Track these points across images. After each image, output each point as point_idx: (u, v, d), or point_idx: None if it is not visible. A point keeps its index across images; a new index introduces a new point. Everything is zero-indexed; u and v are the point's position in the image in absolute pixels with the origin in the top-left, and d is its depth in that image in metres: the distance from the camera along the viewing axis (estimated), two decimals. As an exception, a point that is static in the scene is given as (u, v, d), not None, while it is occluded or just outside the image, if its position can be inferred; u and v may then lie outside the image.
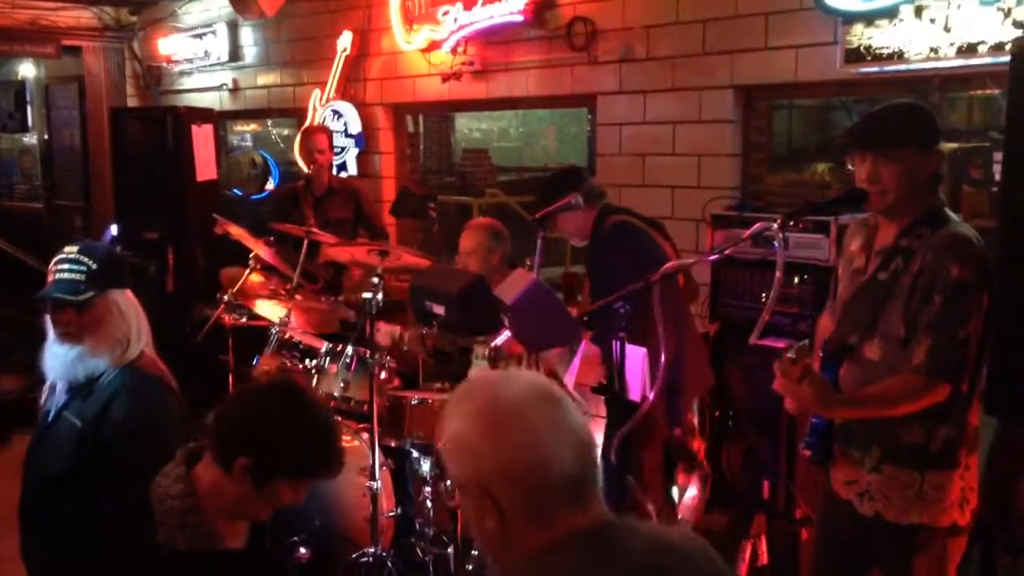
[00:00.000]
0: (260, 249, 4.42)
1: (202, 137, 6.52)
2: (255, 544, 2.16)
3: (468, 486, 1.42)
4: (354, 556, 3.77)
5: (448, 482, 1.48)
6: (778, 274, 2.51)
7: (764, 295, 3.60)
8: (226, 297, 4.37)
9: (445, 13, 5.66)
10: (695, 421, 3.62)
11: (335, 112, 6.63)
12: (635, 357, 2.90)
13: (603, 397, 3.46)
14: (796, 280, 3.55)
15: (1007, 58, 2.54)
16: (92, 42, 8.67)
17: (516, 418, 1.41)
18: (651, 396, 2.82)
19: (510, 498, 1.39)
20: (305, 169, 5.59)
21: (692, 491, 3.45)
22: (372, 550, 3.73)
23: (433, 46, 5.83)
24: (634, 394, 2.90)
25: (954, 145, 4.03)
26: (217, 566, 2.05)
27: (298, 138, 6.05)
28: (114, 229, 7.12)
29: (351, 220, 5.43)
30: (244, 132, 8.98)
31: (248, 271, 4.38)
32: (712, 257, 3.01)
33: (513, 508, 1.39)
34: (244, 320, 4.51)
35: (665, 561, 1.39)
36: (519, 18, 5.22)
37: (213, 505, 2.03)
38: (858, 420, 2.55)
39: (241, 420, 2.03)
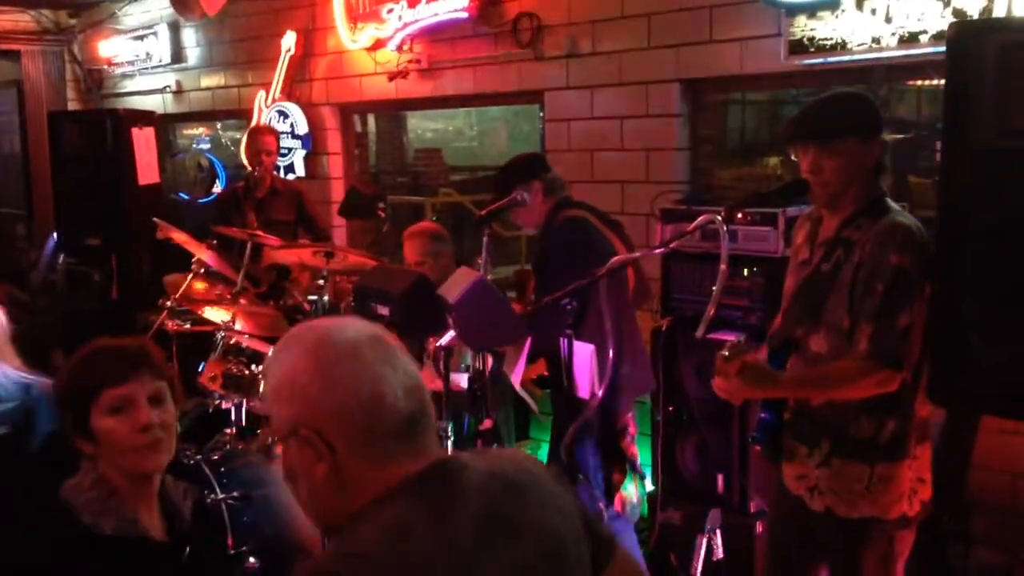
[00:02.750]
0: (203, 253, 4.33)
1: (143, 140, 6.38)
2: (179, 539, 2.12)
3: (297, 429, 1.34)
4: (303, 564, 3.69)
5: (271, 434, 1.42)
6: (722, 266, 2.49)
7: (714, 288, 3.57)
8: (169, 303, 4.27)
9: (389, 11, 5.60)
10: (633, 426, 3.55)
11: (281, 113, 6.53)
12: (583, 354, 2.87)
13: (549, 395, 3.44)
14: (745, 272, 3.53)
15: (947, 47, 2.54)
16: (30, 46, 8.46)
17: (347, 355, 1.36)
18: (600, 392, 2.79)
19: (342, 437, 1.34)
20: (250, 169, 5.49)
21: (630, 491, 3.41)
22: (323, 557, 3.66)
23: (378, 44, 5.77)
24: (583, 391, 2.87)
25: (899, 136, 4.06)
26: (143, 553, 2.01)
27: (244, 138, 5.95)
28: (56, 236, 6.96)
29: (293, 222, 5.35)
30: (197, 135, 8.84)
31: (190, 276, 4.29)
32: (658, 251, 2.98)
33: (346, 447, 1.34)
34: (188, 326, 4.41)
35: (500, 496, 1.37)
36: (464, 15, 5.17)
37: (124, 492, 2.03)
38: (807, 415, 2.54)
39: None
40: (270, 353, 1.44)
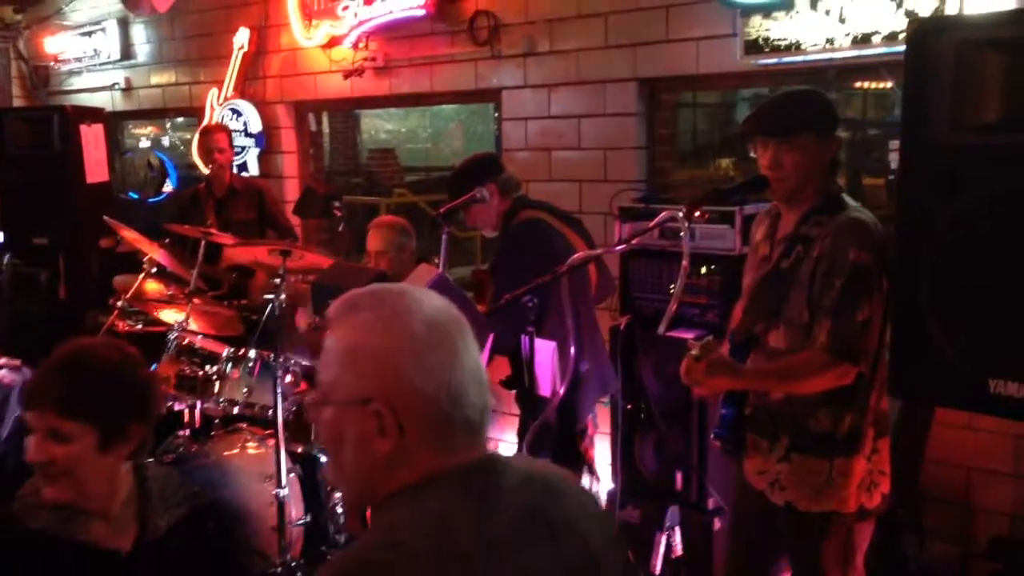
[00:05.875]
0: (155, 252, 4.25)
1: (92, 137, 6.23)
2: (143, 552, 2.04)
3: (368, 402, 1.30)
4: (262, 568, 3.64)
5: (320, 393, 1.36)
6: (684, 263, 2.50)
7: (673, 286, 3.59)
8: (120, 303, 4.18)
9: (345, 8, 5.55)
10: (592, 428, 3.54)
11: (234, 111, 6.44)
12: (545, 351, 2.86)
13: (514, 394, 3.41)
14: (703, 270, 3.56)
15: (900, 47, 2.58)
16: (-26, 42, 8.26)
17: (443, 341, 1.33)
18: (561, 390, 2.78)
19: (419, 422, 1.30)
20: (204, 170, 5.40)
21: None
22: (281, 560, 3.61)
23: (334, 42, 5.71)
24: (544, 389, 2.86)
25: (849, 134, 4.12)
26: (77, 556, 1.96)
27: (196, 137, 5.85)
28: (1, 236, 6.78)
29: (255, 221, 5.26)
30: (145, 134, 8.68)
31: (142, 275, 4.20)
32: (619, 248, 2.99)
33: (418, 432, 1.31)
34: (140, 327, 4.32)
35: (539, 499, 1.37)
36: (420, 12, 5.14)
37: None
38: (767, 410, 2.56)
39: None
40: (336, 308, 1.37)
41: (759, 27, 3.94)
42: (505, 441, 4.58)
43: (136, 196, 7.40)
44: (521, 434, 3.38)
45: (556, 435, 3.15)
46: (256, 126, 6.37)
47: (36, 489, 1.96)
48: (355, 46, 5.56)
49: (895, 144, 3.05)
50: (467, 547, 1.25)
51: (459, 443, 1.33)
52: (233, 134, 6.24)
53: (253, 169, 6.45)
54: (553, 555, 1.33)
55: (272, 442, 3.73)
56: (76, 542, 1.96)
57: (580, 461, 3.35)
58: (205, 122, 6.45)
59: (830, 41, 3.75)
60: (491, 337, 2.80)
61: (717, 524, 3.46)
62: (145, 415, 2.03)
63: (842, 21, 3.70)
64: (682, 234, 2.53)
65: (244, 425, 4.04)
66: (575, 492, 1.46)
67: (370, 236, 4.07)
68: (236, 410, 3.87)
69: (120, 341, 2.18)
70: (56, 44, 8.04)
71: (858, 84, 4.37)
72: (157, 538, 2.06)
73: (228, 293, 4.93)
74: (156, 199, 7.18)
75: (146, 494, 2.08)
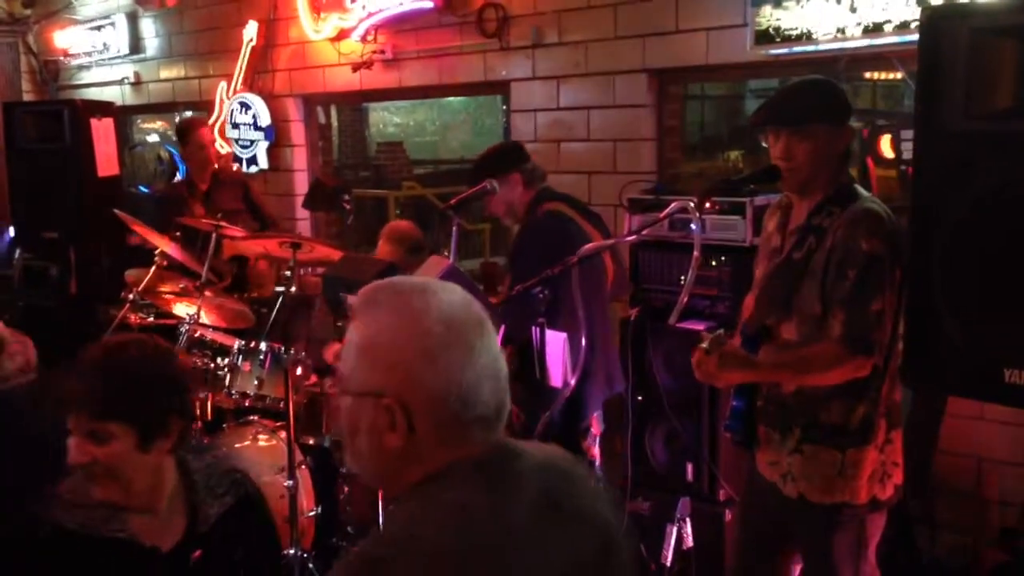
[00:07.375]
0: (166, 245, 4.26)
1: (102, 131, 6.25)
2: (188, 550, 2.03)
3: (381, 396, 1.31)
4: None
5: (340, 382, 1.37)
6: (696, 253, 2.49)
7: (683, 278, 3.58)
8: (131, 296, 4.19)
9: (353, 0, 5.54)
10: (596, 427, 3.52)
11: (243, 104, 6.45)
12: (556, 342, 2.86)
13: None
14: (713, 262, 3.55)
15: (912, 37, 2.57)
16: (-17, 36, 8.28)
17: (459, 341, 1.32)
18: (572, 382, 2.78)
19: (430, 419, 1.31)
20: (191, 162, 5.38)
21: None
22: (292, 552, 3.62)
23: (342, 35, 5.72)
24: (555, 380, 2.86)
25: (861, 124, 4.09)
26: (109, 554, 1.93)
27: (176, 130, 5.78)
28: (12, 230, 6.81)
29: (242, 212, 5.26)
30: (155, 128, 8.69)
31: (154, 268, 4.21)
32: (629, 238, 2.99)
33: (428, 429, 1.31)
34: (151, 319, 4.33)
35: (555, 484, 1.37)
36: (429, 4, 5.14)
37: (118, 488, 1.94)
38: (779, 402, 2.55)
39: None
40: (358, 301, 1.38)
41: (770, 17, 3.92)
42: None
43: (146, 190, 7.42)
44: (528, 424, 3.37)
45: (559, 430, 3.13)
46: (265, 119, 6.38)
47: (75, 487, 1.94)
48: (364, 39, 5.57)
49: (907, 134, 3.03)
50: (488, 538, 1.26)
51: (473, 438, 1.34)
52: (241, 127, 6.26)
53: (263, 163, 6.47)
54: (573, 539, 1.33)
55: (283, 434, 3.74)
56: (111, 540, 1.93)
57: (581, 460, 3.34)
58: (181, 117, 6.40)
59: (841, 30, 3.73)
60: (502, 328, 2.80)
61: (728, 516, 3.46)
62: (183, 408, 2.02)
63: (853, 10, 3.68)
64: (693, 225, 2.53)
65: (255, 417, 4.06)
66: (588, 478, 1.47)
67: (380, 243, 4.05)
68: (247, 402, 3.88)
69: (151, 335, 2.13)
70: (65, 38, 8.06)
71: (869, 74, 4.34)
72: (208, 528, 2.06)
73: (232, 284, 4.94)
74: (166, 193, 7.19)
75: (192, 485, 2.08)
